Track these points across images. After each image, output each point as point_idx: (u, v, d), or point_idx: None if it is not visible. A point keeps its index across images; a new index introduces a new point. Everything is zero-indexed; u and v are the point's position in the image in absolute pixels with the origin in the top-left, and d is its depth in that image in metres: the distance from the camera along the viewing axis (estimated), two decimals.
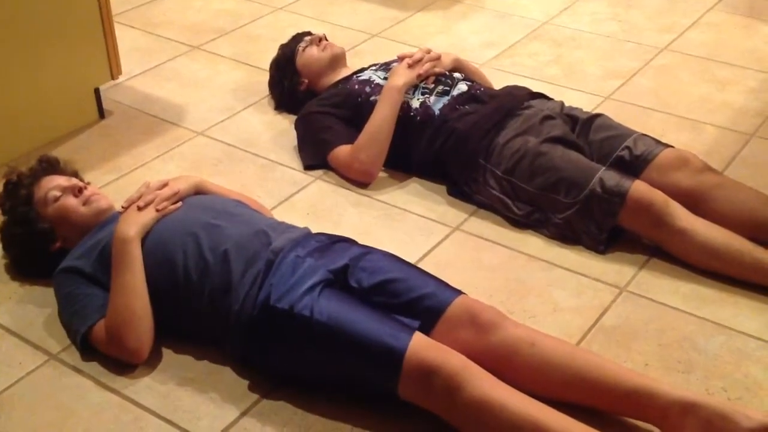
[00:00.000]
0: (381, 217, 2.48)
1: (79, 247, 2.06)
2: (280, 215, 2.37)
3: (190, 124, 2.92)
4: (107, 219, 2.10)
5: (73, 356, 2.00)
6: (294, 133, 2.76)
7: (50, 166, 2.21)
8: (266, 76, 3.00)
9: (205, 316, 1.94)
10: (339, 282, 1.92)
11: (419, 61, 2.64)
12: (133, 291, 1.93)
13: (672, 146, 2.44)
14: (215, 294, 1.92)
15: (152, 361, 1.97)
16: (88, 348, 1.98)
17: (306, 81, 2.86)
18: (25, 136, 2.71)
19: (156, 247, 1.98)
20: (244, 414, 1.86)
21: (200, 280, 1.93)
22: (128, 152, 2.76)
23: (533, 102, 2.58)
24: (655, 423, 1.77)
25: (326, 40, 2.90)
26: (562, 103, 2.61)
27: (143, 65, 3.27)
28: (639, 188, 2.25)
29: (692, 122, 2.92)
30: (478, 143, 2.45)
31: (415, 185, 2.61)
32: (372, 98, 2.62)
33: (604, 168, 2.32)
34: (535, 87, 2.77)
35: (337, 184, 2.61)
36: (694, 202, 2.29)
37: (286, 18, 3.67)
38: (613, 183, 2.27)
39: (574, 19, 3.66)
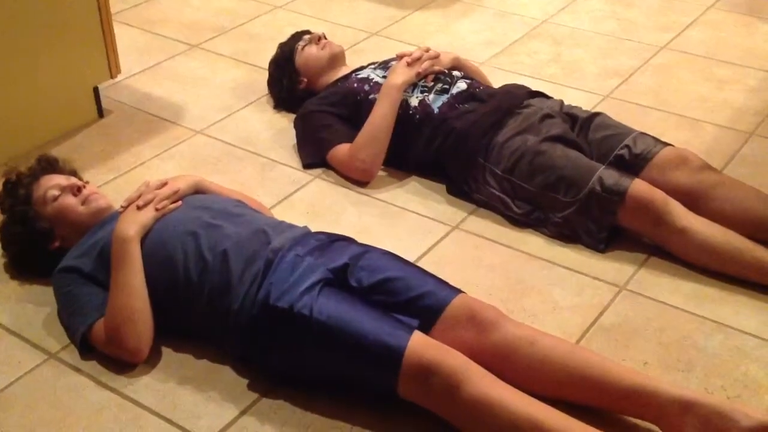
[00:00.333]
0: (380, 215, 2.48)
1: (79, 247, 2.06)
2: (280, 214, 2.36)
3: (189, 122, 2.92)
4: (106, 218, 2.10)
5: (73, 355, 2.00)
6: (293, 132, 2.76)
7: (49, 165, 2.21)
8: (265, 75, 3.00)
9: (205, 315, 1.94)
10: (338, 281, 1.92)
11: (418, 59, 2.64)
12: (133, 290, 1.93)
13: (671, 145, 2.44)
14: (214, 293, 1.92)
15: (152, 360, 1.97)
16: (87, 347, 1.98)
17: (305, 80, 2.86)
18: (24, 135, 2.70)
19: (155, 246, 1.98)
20: (243, 413, 1.86)
21: (199, 280, 1.93)
22: (127, 151, 2.76)
23: (532, 101, 2.58)
24: (654, 421, 1.77)
25: (325, 38, 2.90)
26: (561, 102, 2.61)
27: (142, 64, 3.27)
28: (638, 187, 2.25)
29: (692, 121, 2.92)
30: (477, 142, 2.45)
31: (414, 184, 2.61)
32: (371, 96, 2.62)
33: (603, 167, 2.32)
34: (535, 85, 2.77)
35: (337, 182, 2.61)
36: (694, 200, 2.29)
37: (285, 16, 3.67)
38: (612, 182, 2.27)
39: (574, 17, 3.66)
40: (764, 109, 2.98)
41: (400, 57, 2.68)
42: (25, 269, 2.22)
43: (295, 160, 2.71)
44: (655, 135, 2.49)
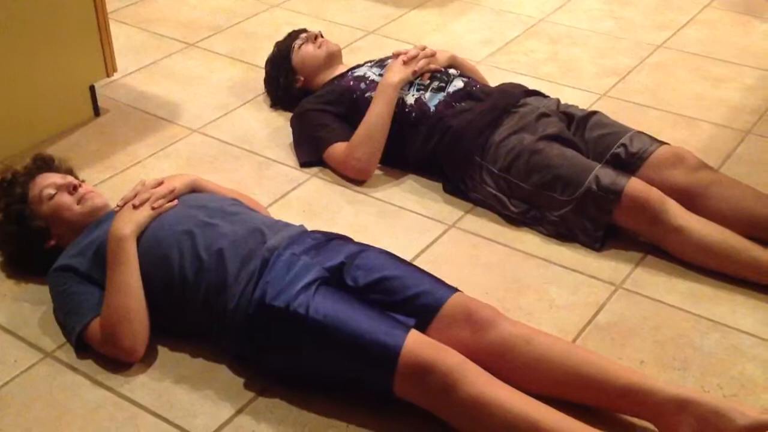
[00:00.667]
0: (377, 214, 2.48)
1: (74, 246, 2.05)
2: (276, 213, 2.36)
3: (186, 121, 2.92)
4: (102, 217, 2.10)
5: (69, 354, 2.00)
6: (290, 131, 2.76)
7: (45, 164, 2.21)
8: (262, 74, 2.99)
9: (201, 314, 1.94)
10: (335, 280, 1.92)
11: (414, 57, 2.64)
12: (129, 289, 1.93)
13: (668, 143, 2.44)
14: (210, 292, 1.92)
15: (148, 359, 1.97)
16: (83, 346, 1.98)
17: (302, 78, 2.85)
18: (19, 134, 2.70)
19: (151, 245, 1.98)
20: (239, 412, 1.86)
21: (195, 279, 1.93)
22: (123, 150, 2.76)
23: (529, 99, 2.58)
24: (650, 420, 1.78)
25: (322, 37, 2.90)
26: (558, 101, 2.61)
27: (138, 62, 3.26)
28: (635, 186, 2.25)
29: (688, 119, 2.93)
30: (473, 141, 2.45)
31: (411, 182, 2.60)
32: (367, 95, 2.62)
33: (599, 165, 2.32)
34: (531, 84, 2.77)
35: (333, 181, 2.61)
36: (690, 199, 2.29)
37: (282, 15, 3.66)
38: (608, 181, 2.27)
39: (570, 16, 3.66)
40: (760, 108, 2.98)
41: (396, 55, 2.68)
42: (20, 268, 2.22)
43: (291, 159, 2.71)
44: (651, 134, 2.49)
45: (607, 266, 2.27)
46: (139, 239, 1.98)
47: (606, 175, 2.28)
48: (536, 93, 2.66)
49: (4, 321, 2.10)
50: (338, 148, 2.60)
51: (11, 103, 2.66)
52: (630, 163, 2.39)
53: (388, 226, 2.43)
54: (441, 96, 2.57)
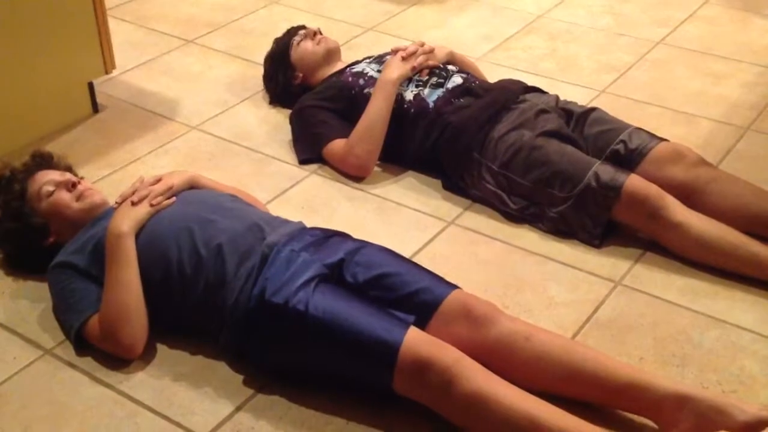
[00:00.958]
0: (376, 211, 2.48)
1: (73, 242, 2.05)
2: (275, 209, 2.36)
3: (184, 118, 2.91)
4: (101, 214, 2.10)
5: (68, 351, 2.00)
6: (289, 127, 2.76)
7: (44, 161, 2.21)
8: (260, 70, 2.99)
9: (200, 310, 1.94)
10: (334, 276, 1.92)
11: (413, 54, 2.64)
12: (127, 286, 1.93)
13: (667, 140, 2.44)
14: (209, 288, 1.92)
15: (147, 356, 1.97)
16: (82, 343, 1.98)
17: (300, 75, 2.85)
18: (18, 131, 2.70)
19: (150, 242, 1.98)
20: (238, 409, 1.86)
21: (194, 275, 1.93)
22: (122, 147, 2.75)
23: (528, 96, 2.58)
24: (650, 416, 1.78)
25: (321, 34, 2.90)
26: (557, 97, 2.61)
27: (137, 59, 3.26)
28: (634, 182, 2.25)
29: (687, 116, 2.92)
30: (473, 137, 2.45)
31: (410, 179, 2.60)
32: (366, 90, 2.62)
33: (599, 162, 2.32)
34: (530, 81, 2.77)
35: (332, 178, 2.61)
36: (689, 195, 2.29)
37: (281, 12, 3.66)
38: (608, 177, 2.27)
39: (569, 12, 3.66)
40: (759, 104, 2.98)
41: (394, 52, 2.68)
42: (19, 265, 2.22)
43: (290, 156, 2.71)
44: (650, 130, 2.49)
45: (607, 263, 2.27)
46: (137, 236, 1.98)
47: (605, 171, 2.28)
48: (535, 89, 2.66)
49: (4, 318, 2.10)
50: (337, 145, 2.60)
51: (10, 100, 2.65)
52: (629, 159, 2.39)
53: (387, 223, 2.43)
54: (440, 92, 2.57)
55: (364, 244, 2.02)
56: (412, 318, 1.84)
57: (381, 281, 1.92)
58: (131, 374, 1.94)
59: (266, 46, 2.97)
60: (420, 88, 2.59)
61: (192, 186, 2.16)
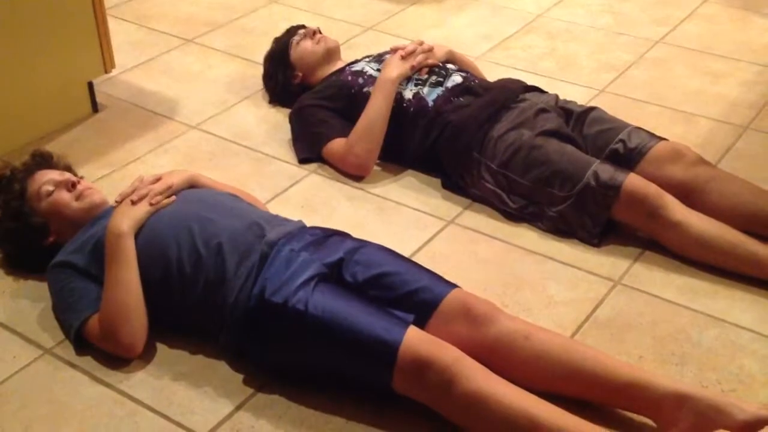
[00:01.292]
0: (375, 210, 2.48)
1: (73, 242, 2.05)
2: (275, 209, 2.36)
3: (184, 117, 2.92)
4: (101, 213, 2.10)
5: (68, 351, 2.00)
6: (288, 127, 2.76)
7: (43, 161, 2.21)
8: (260, 70, 2.99)
9: (199, 309, 1.94)
10: (333, 276, 1.92)
11: (412, 52, 2.64)
12: (127, 285, 1.93)
13: (666, 139, 2.44)
14: (209, 287, 1.92)
15: (146, 355, 1.97)
16: (82, 342, 1.98)
17: (300, 74, 2.85)
18: (18, 131, 2.70)
19: (149, 241, 1.98)
20: (238, 408, 1.86)
21: (194, 274, 1.93)
22: (122, 146, 2.76)
23: (528, 95, 2.58)
24: (649, 415, 1.78)
25: (320, 33, 2.90)
26: (556, 96, 2.61)
27: (136, 59, 3.26)
28: (633, 181, 2.25)
29: (686, 115, 2.93)
30: (472, 136, 2.45)
31: (409, 178, 2.60)
32: (365, 89, 2.62)
33: (598, 161, 2.32)
34: (530, 80, 2.77)
35: (332, 177, 2.61)
36: (688, 194, 2.30)
37: (280, 11, 3.66)
38: (607, 176, 2.27)
39: (569, 11, 3.66)
40: (758, 103, 2.98)
41: (394, 50, 2.68)
42: (19, 265, 2.22)
43: (290, 155, 2.71)
44: (649, 129, 2.49)
45: (606, 262, 2.27)
46: (137, 235, 1.98)
47: (605, 170, 2.28)
48: (535, 88, 2.66)
49: (3, 317, 2.10)
50: (337, 144, 2.60)
51: (10, 100, 2.65)
52: (628, 158, 2.39)
53: (386, 222, 2.43)
54: (439, 91, 2.57)
55: (363, 244, 2.03)
56: (411, 317, 1.85)
57: (380, 280, 1.92)
58: (131, 373, 1.94)
59: (266, 46, 2.97)
60: (419, 87, 2.59)
61: (191, 185, 2.17)
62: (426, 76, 2.62)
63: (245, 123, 2.89)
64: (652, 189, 2.24)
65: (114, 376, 1.93)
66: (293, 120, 2.74)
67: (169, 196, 2.07)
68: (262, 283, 1.87)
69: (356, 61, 2.78)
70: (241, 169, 2.65)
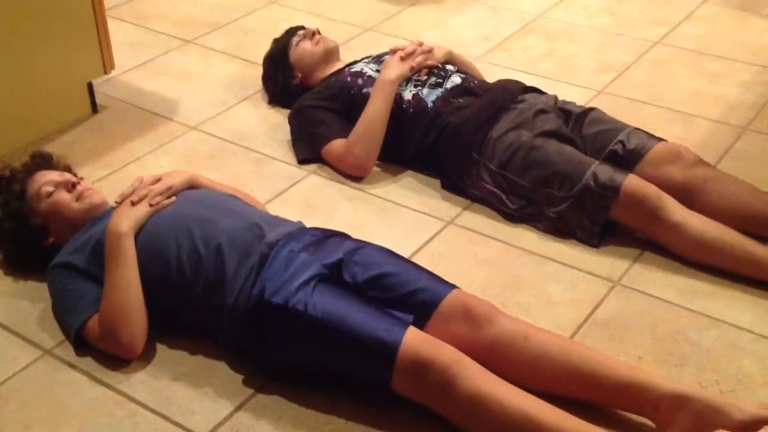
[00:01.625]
0: (375, 211, 2.48)
1: (73, 242, 2.05)
2: (274, 209, 2.36)
3: (184, 118, 2.92)
4: (100, 214, 2.10)
5: (68, 351, 2.00)
6: (287, 128, 2.76)
7: (43, 161, 2.21)
8: (259, 71, 2.99)
9: (199, 310, 1.94)
10: (333, 276, 1.92)
11: (411, 53, 2.64)
12: (127, 286, 1.93)
13: (665, 140, 2.45)
14: (209, 288, 1.92)
15: (146, 356, 1.97)
16: (82, 343, 1.98)
17: (299, 75, 2.85)
18: (17, 131, 2.70)
19: (149, 241, 1.98)
20: (238, 408, 1.86)
21: (194, 274, 1.93)
22: (121, 147, 2.76)
23: (527, 96, 2.58)
24: (648, 416, 1.78)
25: (319, 34, 2.90)
26: (555, 97, 2.61)
27: (136, 59, 3.26)
28: (632, 182, 2.25)
29: (685, 116, 2.93)
30: (471, 137, 2.45)
31: (409, 179, 2.61)
32: (364, 90, 2.62)
33: (597, 162, 2.33)
34: (529, 81, 2.77)
35: (331, 178, 2.61)
36: (687, 195, 2.30)
37: (280, 12, 3.66)
38: (606, 177, 2.27)
39: (568, 12, 3.67)
40: (757, 104, 2.99)
41: (393, 51, 2.68)
42: (19, 265, 2.22)
43: (289, 156, 2.71)
44: (648, 130, 2.49)
45: (605, 262, 2.27)
46: (137, 236, 1.98)
47: (604, 171, 2.29)
48: (534, 89, 2.66)
49: (3, 318, 2.10)
50: (336, 145, 2.60)
51: (9, 100, 2.65)
52: (627, 159, 2.39)
53: (386, 223, 2.43)
54: (438, 92, 2.57)
55: (363, 244, 2.03)
56: (410, 318, 1.85)
57: (380, 281, 1.92)
58: (131, 374, 1.94)
59: (265, 47, 2.97)
60: (419, 88, 2.59)
61: (191, 186, 2.17)
62: (425, 78, 2.62)
63: (245, 124, 2.89)
64: (651, 190, 2.24)
65: (114, 376, 1.94)
66: (292, 121, 2.74)
67: (169, 197, 2.07)
68: (262, 283, 1.87)
69: (355, 62, 2.78)
70: (240, 169, 2.65)
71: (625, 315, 2.11)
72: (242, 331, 1.88)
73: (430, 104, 2.55)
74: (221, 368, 1.96)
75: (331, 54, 2.86)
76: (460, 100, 2.56)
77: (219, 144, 2.78)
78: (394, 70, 2.60)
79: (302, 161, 2.67)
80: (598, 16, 3.63)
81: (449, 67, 2.69)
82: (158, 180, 2.10)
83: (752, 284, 2.18)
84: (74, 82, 2.85)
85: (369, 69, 2.69)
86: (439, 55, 2.71)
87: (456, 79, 2.62)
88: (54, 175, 2.15)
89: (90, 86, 2.90)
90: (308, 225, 2.12)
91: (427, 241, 2.36)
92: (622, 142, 2.42)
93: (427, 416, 1.78)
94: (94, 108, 2.93)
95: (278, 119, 2.89)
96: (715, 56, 3.30)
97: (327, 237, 2.04)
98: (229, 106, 2.99)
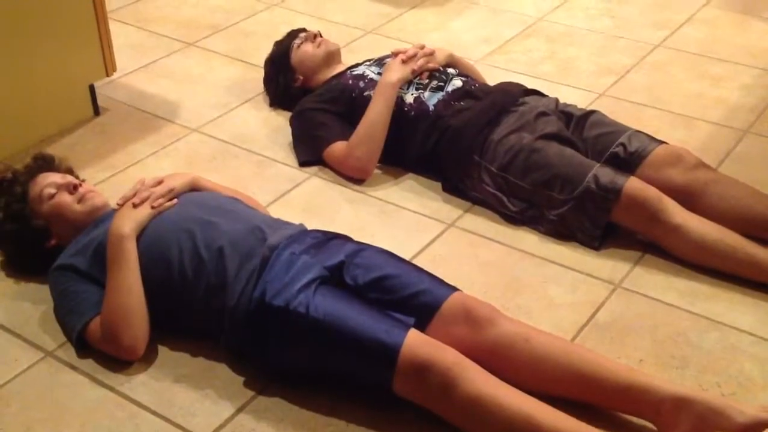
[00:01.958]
0: (376, 213, 2.48)
1: (75, 245, 2.06)
2: (276, 212, 2.37)
3: (185, 120, 2.92)
4: (102, 216, 2.10)
5: (69, 353, 2.00)
6: (289, 130, 2.76)
7: (45, 164, 2.21)
8: (261, 73, 3.00)
9: (201, 312, 1.94)
10: (334, 279, 1.93)
11: (413, 56, 2.64)
12: (129, 288, 1.94)
13: (666, 143, 2.45)
14: (210, 290, 1.92)
15: (148, 357, 1.97)
16: (83, 345, 1.98)
17: (301, 77, 2.86)
18: (19, 134, 2.70)
19: (151, 244, 1.98)
20: (239, 410, 1.87)
21: (195, 277, 1.93)
22: (123, 149, 2.76)
23: (528, 99, 2.59)
24: (649, 418, 1.78)
25: (321, 36, 2.90)
26: (556, 100, 2.61)
27: (138, 62, 3.27)
28: (633, 185, 2.25)
29: (686, 119, 2.93)
30: (472, 140, 2.45)
31: (410, 181, 2.61)
32: (366, 93, 2.63)
33: (598, 165, 2.33)
34: (530, 83, 2.77)
35: (333, 180, 2.61)
36: (688, 198, 2.30)
37: (281, 15, 3.67)
38: (607, 179, 2.27)
39: (568, 15, 3.67)
40: (758, 107, 2.99)
41: (395, 54, 2.68)
42: (21, 267, 2.22)
43: (291, 158, 2.71)
44: (649, 133, 2.49)
45: (606, 265, 2.27)
46: (138, 238, 1.99)
47: (605, 174, 2.29)
48: (535, 92, 2.66)
49: (5, 320, 2.10)
50: (338, 147, 2.61)
51: (11, 102, 2.66)
52: (628, 162, 2.40)
53: (387, 225, 2.43)
54: (440, 95, 2.58)
55: (364, 247, 2.03)
56: (412, 320, 1.85)
57: (381, 283, 1.92)
58: (132, 376, 1.94)
59: (267, 49, 2.97)
60: (420, 91, 2.60)
61: (193, 188, 2.17)
62: (427, 81, 2.62)
63: (246, 126, 2.89)
64: (652, 192, 2.24)
65: (115, 378, 1.94)
66: (294, 123, 2.74)
67: (170, 199, 2.07)
68: (263, 286, 1.87)
69: (357, 65, 2.78)
70: (242, 172, 2.66)
71: (626, 317, 2.11)
72: (243, 333, 1.89)
73: (431, 107, 2.55)
74: (222, 370, 1.96)
75: (332, 56, 2.86)
76: (461, 103, 2.56)
77: (220, 146, 2.79)
78: (396, 73, 2.60)
79: (303, 164, 2.68)
80: (599, 19, 3.63)
81: (450, 70, 2.69)
82: (160, 182, 2.11)
83: (753, 287, 2.18)
84: (76, 84, 2.86)
85: (370, 72, 2.69)
86: (440, 58, 2.71)
87: (457, 83, 2.62)
88: (56, 177, 2.15)
89: (92, 88, 2.90)
90: (309, 227, 2.12)
91: (428, 244, 2.36)
92: (623, 144, 2.42)
93: (428, 418, 1.78)
94: (96, 110, 2.93)
95: (279, 122, 2.89)
96: (716, 59, 3.30)
97: (328, 239, 2.05)
98: (231, 109, 2.99)
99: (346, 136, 2.60)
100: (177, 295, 1.95)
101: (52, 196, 2.10)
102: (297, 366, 1.89)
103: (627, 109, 2.96)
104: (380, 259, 1.99)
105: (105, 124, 2.90)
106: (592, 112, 2.56)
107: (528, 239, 2.37)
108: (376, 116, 2.56)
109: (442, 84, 2.61)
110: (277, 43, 2.94)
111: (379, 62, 2.74)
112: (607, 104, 2.95)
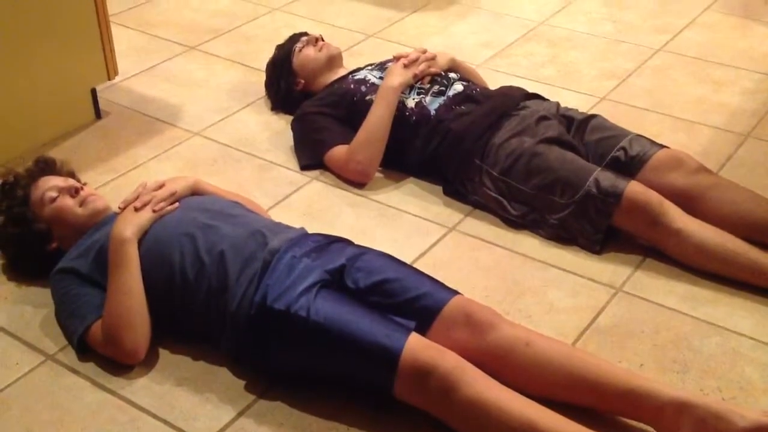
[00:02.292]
0: (377, 217, 2.48)
1: (76, 248, 2.06)
2: (277, 215, 2.37)
3: (187, 124, 2.92)
4: (104, 220, 2.10)
5: (70, 357, 2.00)
6: (290, 134, 2.77)
7: (47, 167, 2.21)
8: (262, 77, 3.00)
9: (202, 316, 1.95)
10: (335, 282, 1.93)
11: (415, 60, 2.65)
12: (130, 292, 1.94)
13: (667, 147, 2.45)
14: (212, 294, 1.92)
15: (149, 361, 1.98)
16: (84, 348, 1.99)
17: (302, 81, 2.86)
18: (21, 137, 2.71)
19: (153, 247, 1.98)
20: (240, 414, 1.87)
21: (197, 281, 1.93)
22: (125, 153, 2.76)
23: (529, 103, 2.59)
24: (650, 423, 1.78)
25: (323, 40, 2.91)
26: (557, 104, 2.62)
27: (139, 66, 3.27)
28: (634, 189, 2.25)
29: (687, 123, 2.93)
30: (473, 144, 2.46)
31: (411, 185, 2.61)
32: (368, 97, 2.63)
33: (599, 169, 2.33)
34: (531, 87, 2.77)
35: (334, 184, 2.61)
36: (689, 202, 2.30)
37: (283, 18, 3.67)
38: (608, 183, 2.27)
39: (570, 19, 3.67)
40: (760, 111, 2.99)
41: (396, 58, 2.68)
42: (22, 270, 2.23)
43: (292, 162, 2.71)
44: (650, 137, 2.50)
45: (607, 269, 2.27)
46: (140, 241, 1.99)
47: (606, 178, 2.29)
48: (536, 96, 2.66)
49: (6, 323, 2.11)
50: (339, 151, 2.61)
51: (13, 106, 2.66)
52: (629, 166, 2.40)
53: (388, 229, 2.43)
54: (441, 99, 2.58)
55: (365, 250, 2.03)
56: (412, 324, 1.85)
57: (382, 287, 1.92)
58: (133, 379, 1.94)
59: (268, 53, 2.98)
60: (422, 96, 2.60)
61: (194, 191, 2.17)
62: (428, 85, 2.62)
63: (247, 130, 2.90)
64: (653, 196, 2.25)
65: (116, 382, 1.94)
66: (295, 127, 2.75)
67: (172, 203, 2.08)
68: (264, 289, 1.87)
69: (359, 69, 2.79)
70: (243, 175, 2.66)
71: (627, 322, 2.11)
72: (244, 337, 1.89)
73: (432, 112, 2.56)
74: (223, 374, 1.96)
75: (334, 60, 2.86)
76: (463, 107, 2.57)
77: (222, 150, 2.79)
78: (398, 77, 2.60)
79: (304, 167, 2.68)
80: (600, 24, 3.63)
81: (452, 74, 2.70)
82: (161, 186, 2.11)
83: (754, 291, 2.18)
84: (78, 87, 2.86)
85: (372, 76, 2.70)
86: (442, 62, 2.72)
87: (458, 87, 2.62)
88: (58, 181, 2.15)
89: (93, 92, 2.91)
90: (310, 231, 2.12)
91: (429, 248, 2.36)
92: (624, 148, 2.42)
93: (429, 422, 1.78)
94: (98, 114, 2.93)
95: (281, 125, 2.89)
96: (718, 64, 3.30)
97: (329, 243, 2.05)
98: (232, 112, 2.99)
99: (347, 140, 2.61)
100: (178, 298, 1.95)
101: (53, 200, 2.11)
102: (298, 370, 1.89)
103: (628, 113, 2.96)
104: (381, 262, 1.99)
105: (107, 127, 2.90)
106: (593, 116, 2.57)
107: (529, 243, 2.37)
108: (378, 120, 2.56)
109: (443, 88, 2.61)
110: (279, 47, 2.95)
111: (381, 66, 2.74)
112: (608, 108, 2.95)
